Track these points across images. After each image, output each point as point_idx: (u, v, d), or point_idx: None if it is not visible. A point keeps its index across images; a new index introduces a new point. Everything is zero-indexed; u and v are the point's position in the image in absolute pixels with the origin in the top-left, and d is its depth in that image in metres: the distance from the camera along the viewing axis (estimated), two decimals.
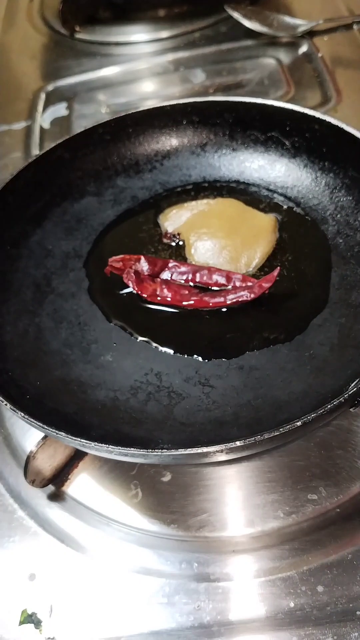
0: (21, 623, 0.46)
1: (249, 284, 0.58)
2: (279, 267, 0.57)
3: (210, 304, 0.57)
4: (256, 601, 0.45)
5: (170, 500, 0.50)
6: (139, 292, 0.59)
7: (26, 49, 1.14)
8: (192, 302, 0.57)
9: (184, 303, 0.58)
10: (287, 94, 0.91)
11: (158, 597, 0.46)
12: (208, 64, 1.01)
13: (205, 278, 0.59)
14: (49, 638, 0.45)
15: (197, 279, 0.60)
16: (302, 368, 0.51)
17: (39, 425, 0.43)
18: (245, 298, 0.56)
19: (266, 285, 0.56)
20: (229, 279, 0.59)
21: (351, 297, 0.56)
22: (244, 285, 0.58)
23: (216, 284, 0.59)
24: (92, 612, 0.46)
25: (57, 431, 0.42)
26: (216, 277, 0.59)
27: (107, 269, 0.61)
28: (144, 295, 0.59)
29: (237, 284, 0.58)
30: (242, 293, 0.57)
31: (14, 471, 0.55)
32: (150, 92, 1.01)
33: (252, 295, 0.56)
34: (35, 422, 0.43)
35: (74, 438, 0.41)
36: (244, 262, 0.61)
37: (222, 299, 0.57)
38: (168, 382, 0.52)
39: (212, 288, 0.59)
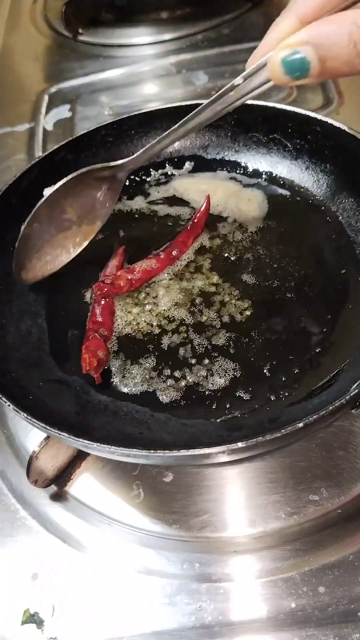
0: (23, 623, 0.46)
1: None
2: (208, 195, 0.64)
3: (174, 254, 0.63)
4: (258, 602, 0.45)
5: (172, 500, 0.50)
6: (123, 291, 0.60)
7: (29, 51, 1.14)
8: (160, 264, 0.62)
9: (162, 269, 0.62)
10: (289, 96, 0.91)
11: (160, 597, 0.46)
12: (210, 66, 1.01)
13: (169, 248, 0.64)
14: (51, 638, 0.45)
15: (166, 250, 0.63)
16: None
17: (42, 426, 0.43)
18: (189, 231, 0.64)
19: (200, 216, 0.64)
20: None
21: (351, 298, 0.56)
22: (188, 227, 0.65)
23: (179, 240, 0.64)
24: (94, 612, 0.46)
25: (59, 432, 0.42)
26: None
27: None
28: (126, 291, 0.60)
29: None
30: (187, 229, 0.64)
31: (16, 471, 0.55)
32: (152, 94, 1.02)
33: (196, 228, 0.64)
34: (37, 422, 0.43)
35: (76, 439, 0.42)
36: None
37: (179, 248, 0.63)
38: (170, 382, 0.53)
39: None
